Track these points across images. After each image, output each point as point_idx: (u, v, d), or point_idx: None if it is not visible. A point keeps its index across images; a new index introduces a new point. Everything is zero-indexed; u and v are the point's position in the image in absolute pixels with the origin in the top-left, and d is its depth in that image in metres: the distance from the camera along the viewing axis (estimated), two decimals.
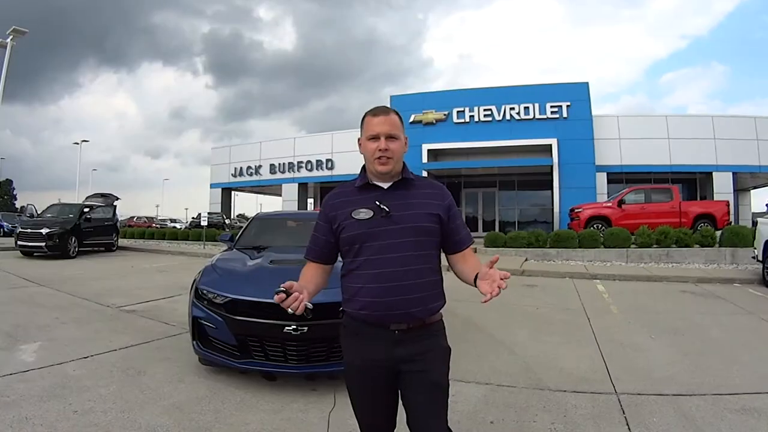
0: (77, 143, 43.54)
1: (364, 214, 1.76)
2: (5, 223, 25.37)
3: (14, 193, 63.71)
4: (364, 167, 1.85)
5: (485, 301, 1.59)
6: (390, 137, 1.76)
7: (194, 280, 4.12)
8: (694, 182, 23.44)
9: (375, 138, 1.76)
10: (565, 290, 8.59)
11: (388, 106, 1.89)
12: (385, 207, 1.75)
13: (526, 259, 12.65)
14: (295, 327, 3.34)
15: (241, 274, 4.04)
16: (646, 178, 21.82)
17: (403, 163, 1.84)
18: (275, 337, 3.43)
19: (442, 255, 1.90)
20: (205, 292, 3.79)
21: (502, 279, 1.59)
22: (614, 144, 21.85)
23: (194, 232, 21.04)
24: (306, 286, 1.72)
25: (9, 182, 62.98)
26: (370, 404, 1.84)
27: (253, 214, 7.51)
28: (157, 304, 6.86)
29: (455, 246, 1.88)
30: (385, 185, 1.81)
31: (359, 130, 1.84)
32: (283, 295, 1.58)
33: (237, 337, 3.54)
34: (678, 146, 21.33)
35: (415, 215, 1.76)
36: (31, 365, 3.96)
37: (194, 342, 3.83)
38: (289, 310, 1.58)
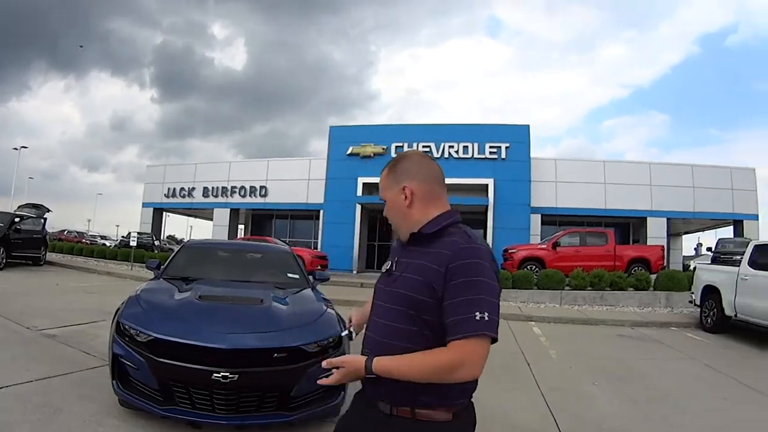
0: (16, 149, 42.61)
1: (384, 267, 1.57)
2: None
3: None
4: None
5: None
6: (385, 199, 1.56)
7: (117, 311, 3.73)
8: (627, 226, 24.20)
9: None
10: (500, 332, 8.48)
11: (393, 156, 1.70)
12: (394, 264, 1.50)
13: None
14: (224, 374, 3.00)
15: (167, 310, 3.67)
16: (580, 221, 22.33)
17: (437, 214, 1.47)
18: (202, 383, 3.07)
19: None
20: (126, 327, 3.40)
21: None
22: (551, 186, 22.36)
23: (123, 251, 20.04)
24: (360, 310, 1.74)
25: None
26: None
27: (183, 238, 7.13)
28: (79, 329, 6.28)
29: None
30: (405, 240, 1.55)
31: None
32: None
33: (160, 381, 3.15)
34: (614, 191, 22.00)
35: (407, 280, 1.40)
36: None
37: (113, 382, 3.39)
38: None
